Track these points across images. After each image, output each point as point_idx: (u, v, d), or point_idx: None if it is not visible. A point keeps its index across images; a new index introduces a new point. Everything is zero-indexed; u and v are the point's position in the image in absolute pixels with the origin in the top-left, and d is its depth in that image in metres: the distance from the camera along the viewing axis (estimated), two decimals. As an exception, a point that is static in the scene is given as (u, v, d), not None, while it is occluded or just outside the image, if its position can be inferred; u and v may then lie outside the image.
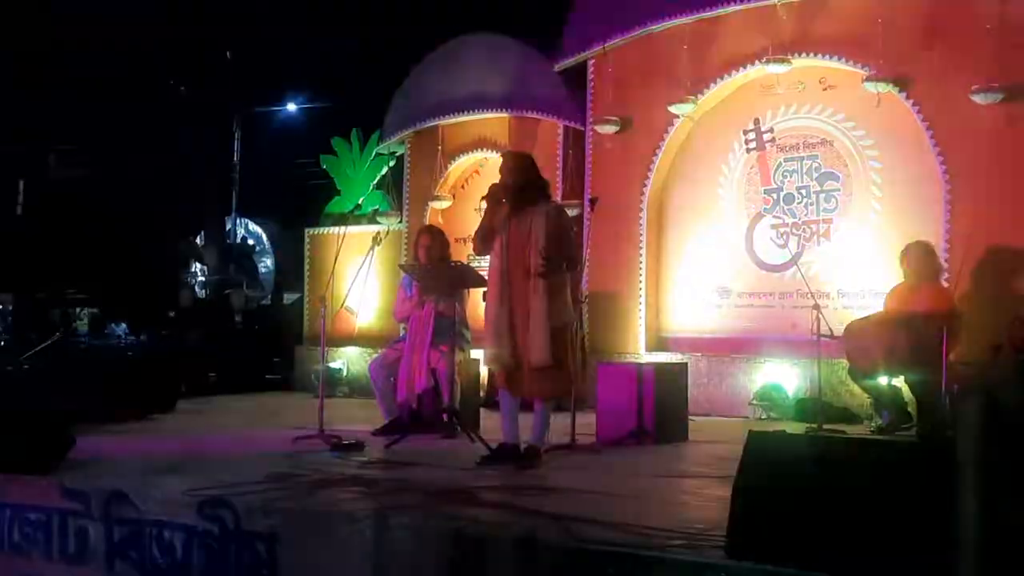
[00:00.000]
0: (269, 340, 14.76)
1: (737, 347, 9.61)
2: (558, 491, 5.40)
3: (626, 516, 4.63)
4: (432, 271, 7.40)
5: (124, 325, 14.39)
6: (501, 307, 6.12)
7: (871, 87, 8.82)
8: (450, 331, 7.29)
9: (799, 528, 3.64)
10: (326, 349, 11.61)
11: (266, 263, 20.72)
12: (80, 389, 8.24)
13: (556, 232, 6.08)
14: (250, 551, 4.57)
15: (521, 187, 6.17)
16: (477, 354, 8.43)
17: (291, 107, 21.04)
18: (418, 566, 4.22)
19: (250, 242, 21.46)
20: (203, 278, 21.08)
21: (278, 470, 5.85)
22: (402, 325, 7.99)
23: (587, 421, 7.45)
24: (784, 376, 9.17)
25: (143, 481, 5.24)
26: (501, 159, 6.50)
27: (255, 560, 4.56)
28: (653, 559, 3.68)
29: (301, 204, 15.50)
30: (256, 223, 21.67)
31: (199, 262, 16.11)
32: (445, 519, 4.30)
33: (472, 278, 7.31)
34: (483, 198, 6.25)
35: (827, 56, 9.19)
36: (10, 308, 14.27)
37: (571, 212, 10.54)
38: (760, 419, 8.93)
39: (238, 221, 21.20)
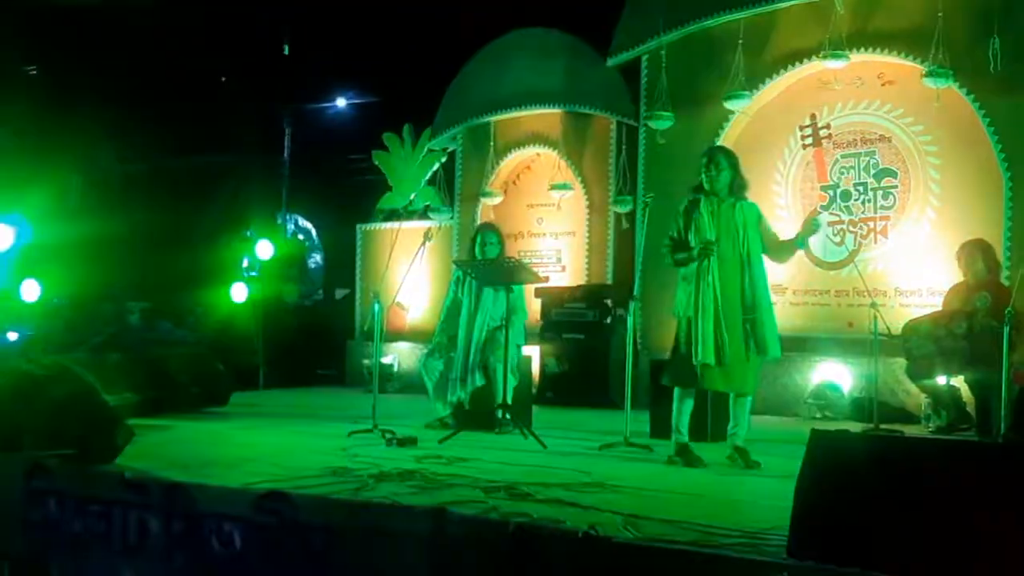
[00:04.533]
0: (320, 335, 14.83)
1: (792, 346, 9.46)
2: (614, 488, 5.36)
3: (683, 513, 4.60)
4: (488, 267, 7.39)
5: (169, 322, 14.54)
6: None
7: (931, 82, 8.67)
8: (504, 327, 7.28)
9: (863, 529, 3.59)
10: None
11: (315, 259, 20.82)
12: (138, 383, 8.33)
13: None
14: (307, 544, 4.57)
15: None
16: (529, 350, 8.46)
17: (340, 103, 21.10)
18: (477, 562, 4.20)
19: (300, 237, 21.57)
20: (254, 273, 21.17)
21: (334, 464, 5.87)
22: (454, 321, 7.96)
23: (640, 419, 7.41)
24: (839, 375, 9.07)
25: (201, 474, 5.28)
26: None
27: (312, 553, 4.55)
28: (716, 558, 3.64)
29: (350, 200, 15.55)
30: (305, 219, 21.79)
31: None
32: (503, 515, 4.28)
33: (526, 274, 7.30)
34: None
35: (886, 51, 9.05)
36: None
37: (624, 209, 10.53)
38: (815, 418, 8.83)
39: (287, 217, 21.32)
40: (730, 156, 6.52)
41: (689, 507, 4.85)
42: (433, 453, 6.48)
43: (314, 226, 21.92)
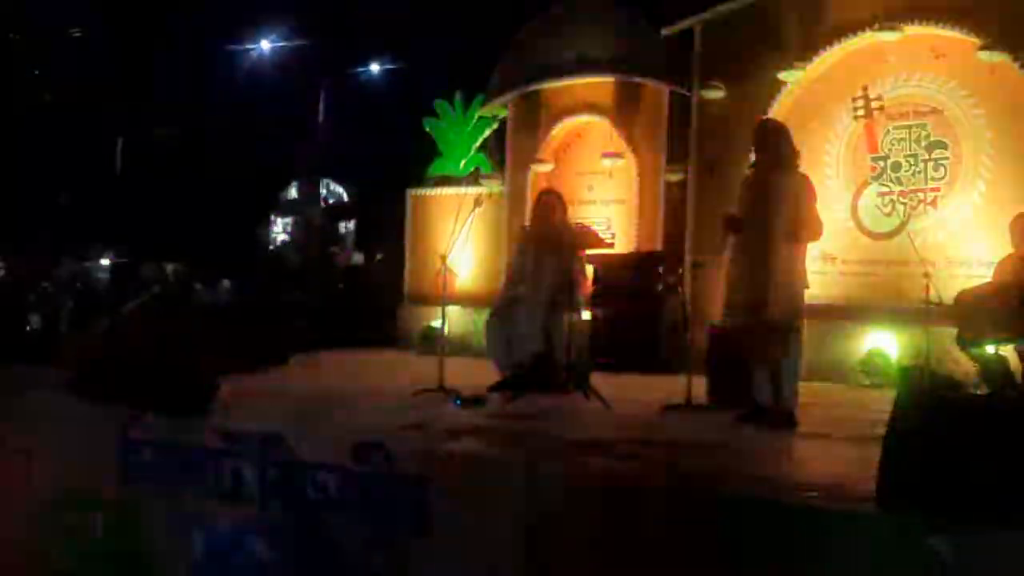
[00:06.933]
0: (365, 298, 15.01)
1: (841, 314, 9.59)
2: (687, 446, 5.56)
3: (760, 470, 4.79)
4: (552, 233, 7.54)
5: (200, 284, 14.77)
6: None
7: (985, 56, 8.72)
8: (566, 292, 7.44)
9: (948, 481, 3.77)
10: (426, 308, 11.88)
11: (347, 223, 21.01)
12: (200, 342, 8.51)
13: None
14: (402, 494, 4.77)
15: None
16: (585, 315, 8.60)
17: (374, 68, 21.20)
18: (568, 513, 4.39)
19: (331, 201, 21.76)
20: (287, 236, 21.40)
21: (408, 421, 6.07)
22: (517, 284, 8.10)
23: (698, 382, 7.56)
24: (888, 343, 9.20)
25: (286, 426, 5.47)
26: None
27: (407, 502, 4.75)
28: (814, 511, 3.82)
29: (386, 166, 15.69)
30: (336, 183, 21.97)
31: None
32: (589, 468, 4.46)
33: (592, 240, 7.45)
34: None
35: (940, 24, 9.10)
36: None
37: (676, 177, 10.65)
38: (863, 385, 8.98)
39: (320, 181, 21.51)
40: (769, 130, 6.81)
41: (761, 465, 5.04)
42: (501, 412, 6.68)
43: (349, 190, 22.09)
